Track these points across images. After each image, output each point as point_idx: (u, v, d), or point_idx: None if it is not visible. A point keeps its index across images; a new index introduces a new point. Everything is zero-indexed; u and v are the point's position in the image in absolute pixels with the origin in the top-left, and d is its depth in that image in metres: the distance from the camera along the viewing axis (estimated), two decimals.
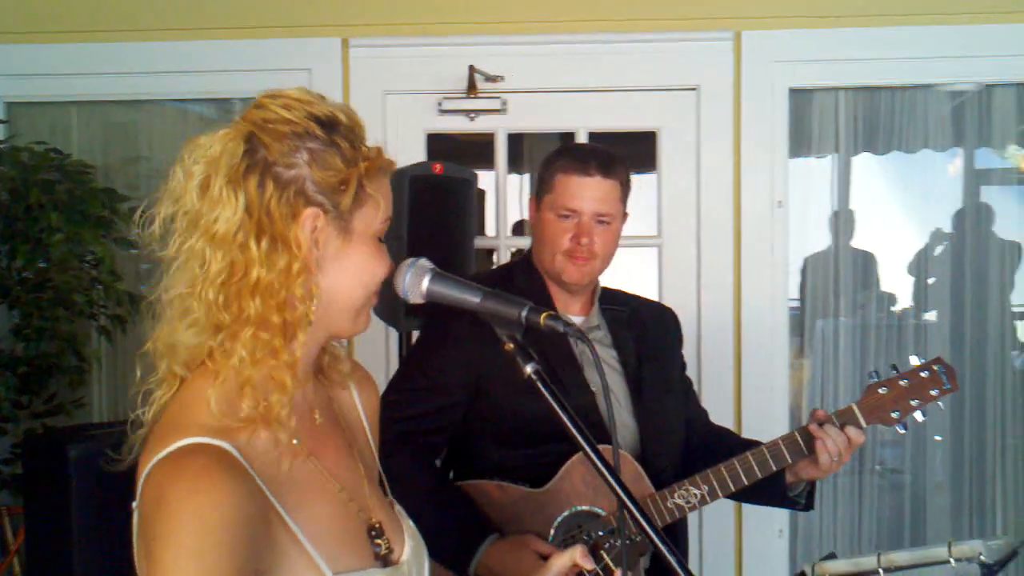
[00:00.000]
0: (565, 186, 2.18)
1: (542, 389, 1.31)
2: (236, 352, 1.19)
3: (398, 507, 1.47)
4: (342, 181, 1.22)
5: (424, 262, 1.36)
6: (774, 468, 2.11)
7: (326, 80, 3.53)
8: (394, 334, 3.35)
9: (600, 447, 1.31)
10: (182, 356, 1.23)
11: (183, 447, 1.13)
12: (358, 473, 1.38)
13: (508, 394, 2.11)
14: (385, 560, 1.33)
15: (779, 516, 3.65)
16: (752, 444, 2.20)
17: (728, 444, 2.35)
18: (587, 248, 2.17)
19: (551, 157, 2.27)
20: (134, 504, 1.17)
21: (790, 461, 2.11)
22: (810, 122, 3.81)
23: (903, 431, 2.15)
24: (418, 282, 1.35)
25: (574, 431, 1.30)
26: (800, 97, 3.74)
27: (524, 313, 1.31)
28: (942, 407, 2.16)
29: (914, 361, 2.14)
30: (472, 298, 1.34)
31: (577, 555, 1.41)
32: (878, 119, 3.82)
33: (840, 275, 3.90)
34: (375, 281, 1.29)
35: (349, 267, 1.26)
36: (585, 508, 2.13)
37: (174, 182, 1.23)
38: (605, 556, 1.56)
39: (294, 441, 1.24)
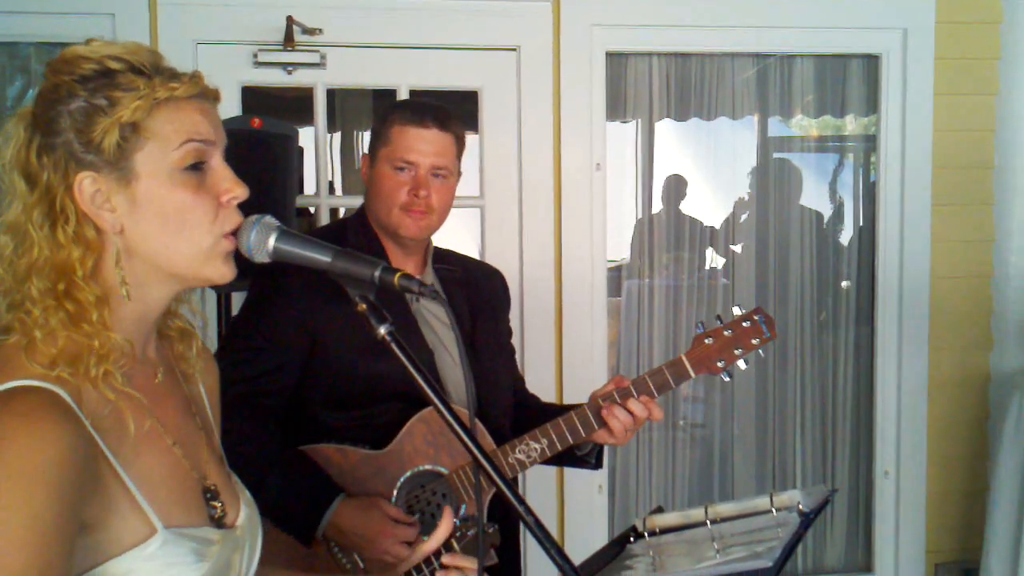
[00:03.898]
0: (402, 138, 2.16)
1: (396, 350, 1.28)
2: (34, 330, 1.17)
3: (235, 478, 1.44)
4: (104, 132, 1.17)
5: (270, 219, 1.30)
6: (595, 426, 2.16)
7: (131, 27, 3.32)
8: (210, 294, 3.21)
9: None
10: None
11: (9, 389, 1.11)
12: (197, 437, 1.36)
13: (343, 352, 2.08)
14: (219, 523, 1.31)
15: (598, 472, 3.73)
16: (562, 407, 2.30)
17: (542, 406, 2.44)
18: (424, 201, 2.15)
19: (387, 110, 2.24)
20: None
21: (596, 428, 2.16)
22: (625, 86, 3.89)
23: (728, 379, 2.22)
24: (264, 240, 1.28)
25: (429, 391, 1.27)
26: (616, 61, 3.82)
27: (377, 273, 1.27)
28: (762, 355, 2.24)
29: (736, 312, 2.21)
30: (322, 257, 1.28)
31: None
32: (689, 85, 3.95)
33: (656, 238, 4.03)
34: (189, 220, 1.22)
35: (149, 215, 1.20)
36: (428, 467, 2.13)
37: None
38: (455, 544, 1.55)
39: (134, 396, 1.21)
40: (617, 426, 2.12)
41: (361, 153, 5.93)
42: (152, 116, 1.19)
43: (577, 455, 2.28)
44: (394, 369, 1.27)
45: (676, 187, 4.19)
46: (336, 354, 2.10)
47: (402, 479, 2.12)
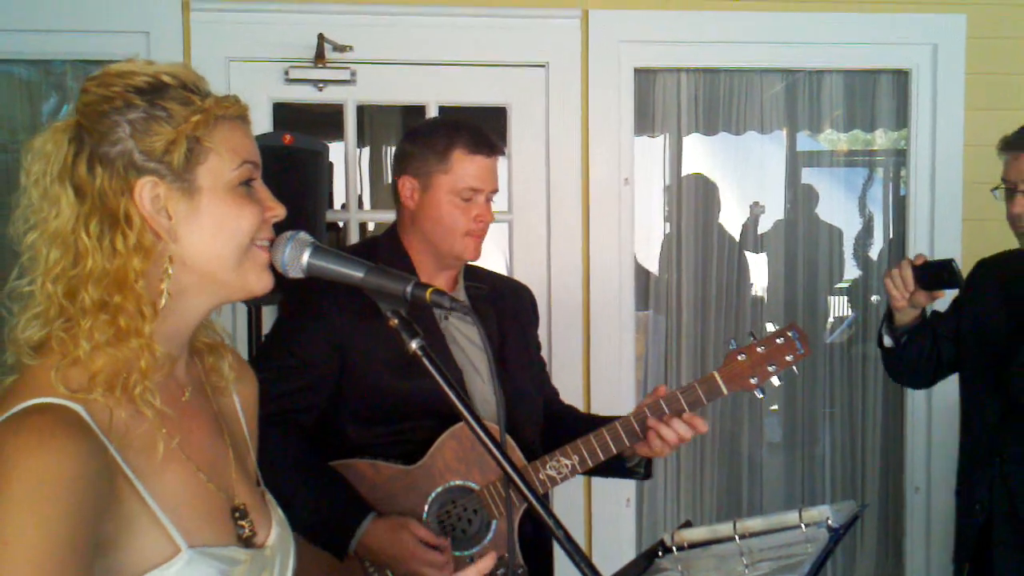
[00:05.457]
0: (467, 166, 2.18)
1: (428, 365, 1.29)
2: (80, 344, 1.17)
3: (269, 496, 1.45)
4: (170, 142, 1.20)
5: (304, 235, 1.32)
6: (627, 443, 2.16)
7: (165, 45, 3.37)
8: (241, 309, 3.24)
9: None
10: (27, 348, 1.20)
11: (27, 407, 1.12)
12: (225, 456, 1.35)
13: (373, 370, 2.10)
14: (247, 542, 1.31)
15: (626, 486, 3.75)
16: (601, 418, 2.28)
17: (579, 418, 2.46)
18: (486, 225, 2.22)
19: (440, 135, 2.21)
20: None
21: (640, 437, 2.16)
22: (653, 101, 3.90)
23: (761, 396, 2.20)
24: (298, 256, 1.30)
25: (461, 407, 1.29)
26: (644, 77, 3.83)
27: (409, 288, 1.29)
28: (796, 371, 2.21)
29: (769, 328, 2.20)
30: (355, 272, 1.30)
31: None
32: (717, 100, 3.95)
33: (685, 253, 4.03)
34: (242, 232, 1.26)
35: (206, 225, 1.24)
36: (459, 483, 2.14)
37: (22, 182, 1.23)
38: None
39: (168, 413, 1.22)
40: (658, 446, 2.13)
41: (389, 169, 5.97)
42: (211, 132, 1.23)
43: (626, 467, 2.27)
44: (424, 386, 1.29)
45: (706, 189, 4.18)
46: (366, 372, 2.11)
47: (433, 494, 2.14)
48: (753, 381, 2.16)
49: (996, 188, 2.56)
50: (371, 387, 2.12)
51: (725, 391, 2.16)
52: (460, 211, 2.18)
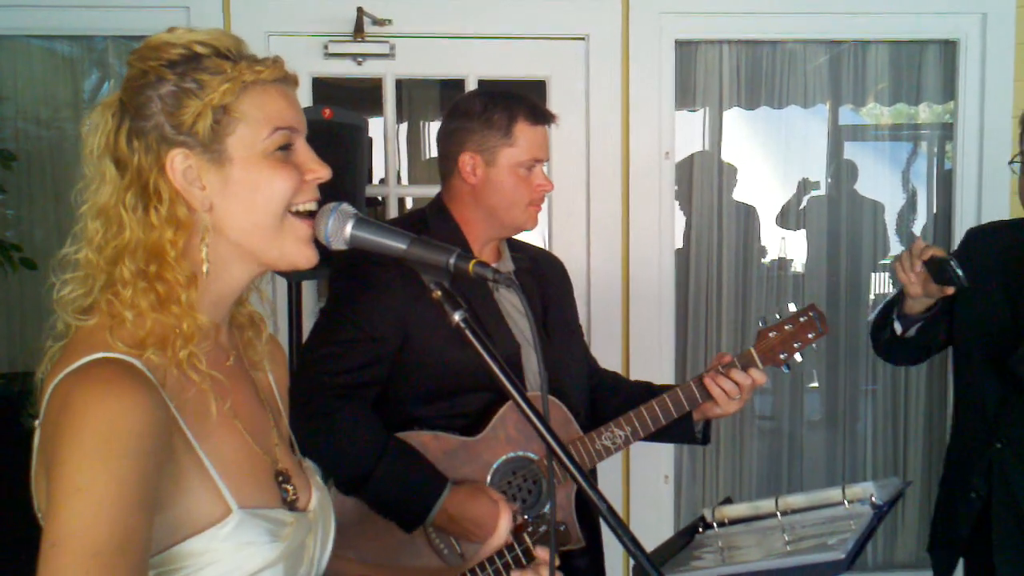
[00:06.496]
0: (530, 137, 2.20)
1: (470, 337, 1.28)
2: (123, 313, 1.19)
3: (307, 464, 1.46)
4: (196, 115, 1.20)
5: (347, 207, 1.31)
6: (687, 408, 2.24)
7: (205, 20, 3.38)
8: (281, 284, 3.25)
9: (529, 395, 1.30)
10: (75, 313, 1.23)
11: (92, 360, 1.14)
12: (267, 421, 1.37)
13: (433, 344, 2.11)
14: (292, 505, 1.33)
15: (665, 462, 3.75)
16: (648, 385, 2.39)
17: (626, 385, 2.51)
18: (545, 194, 2.26)
19: (499, 109, 2.21)
20: (37, 423, 1.16)
21: (700, 402, 2.24)
22: (695, 74, 3.86)
23: (787, 371, 2.31)
24: (341, 228, 1.29)
25: (503, 379, 1.28)
26: (686, 49, 3.78)
27: (452, 260, 1.27)
28: (815, 348, 2.31)
29: (792, 308, 2.28)
30: (398, 244, 1.29)
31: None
32: (759, 73, 3.90)
33: (723, 226, 3.99)
34: (276, 198, 1.25)
35: (240, 193, 1.24)
36: (519, 454, 2.19)
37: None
38: (527, 539, 1.55)
39: (217, 377, 1.25)
40: (722, 398, 2.21)
41: (428, 144, 5.96)
42: (241, 99, 1.22)
43: (693, 430, 2.33)
44: (479, 359, 1.28)
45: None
46: (426, 347, 2.12)
47: (495, 464, 2.18)
48: (782, 357, 2.26)
49: (1013, 160, 2.44)
50: (430, 363, 2.13)
51: (760, 366, 2.25)
52: (524, 182, 2.21)
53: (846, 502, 2.01)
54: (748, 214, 4.13)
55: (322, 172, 1.30)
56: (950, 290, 2.34)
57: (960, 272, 2.26)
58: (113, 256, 1.21)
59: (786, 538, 2.01)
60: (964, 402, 2.62)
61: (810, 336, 2.26)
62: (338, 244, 1.30)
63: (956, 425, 2.70)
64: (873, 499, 1.98)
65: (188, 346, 1.21)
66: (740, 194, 4.11)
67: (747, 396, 2.24)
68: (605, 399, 2.40)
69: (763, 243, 4.23)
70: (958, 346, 2.59)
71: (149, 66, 1.22)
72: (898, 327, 2.54)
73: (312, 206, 1.30)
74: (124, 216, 1.21)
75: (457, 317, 1.28)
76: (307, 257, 1.29)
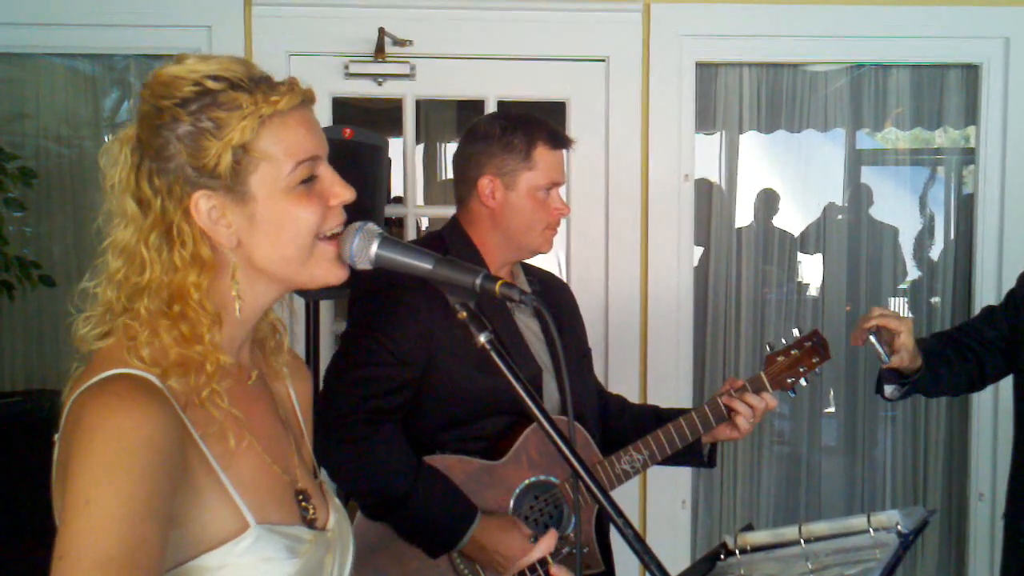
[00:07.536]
0: (549, 161, 2.21)
1: (496, 359, 1.26)
2: (139, 338, 1.19)
3: (326, 486, 1.45)
4: (217, 156, 1.18)
5: (372, 226, 1.29)
6: (702, 432, 2.26)
7: (227, 39, 3.40)
8: (299, 303, 3.24)
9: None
10: (94, 341, 1.23)
11: (109, 376, 1.15)
12: (286, 439, 1.37)
13: (455, 368, 2.11)
14: (311, 523, 1.32)
15: (683, 487, 3.71)
16: (655, 408, 2.45)
17: (633, 408, 2.53)
18: (561, 218, 2.27)
19: (519, 133, 2.20)
20: (56, 436, 1.16)
21: (715, 425, 2.27)
22: (715, 97, 3.85)
23: (793, 395, 2.37)
24: (367, 247, 1.28)
25: (530, 403, 1.26)
26: (706, 72, 3.77)
27: (479, 280, 1.26)
28: (818, 373, 2.34)
29: (796, 333, 2.32)
30: (424, 264, 1.28)
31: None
32: (779, 96, 3.89)
33: (744, 250, 3.97)
34: (302, 232, 1.23)
35: (267, 229, 1.22)
36: (541, 478, 2.18)
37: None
38: (549, 559, 1.53)
39: (236, 415, 1.23)
40: (746, 412, 2.24)
41: (444, 165, 5.97)
42: (260, 135, 1.20)
43: (701, 454, 2.36)
44: (500, 383, 1.26)
45: (767, 201, 4.14)
46: (449, 371, 2.11)
47: (518, 488, 2.17)
48: (790, 381, 2.30)
49: None
50: (453, 387, 2.13)
51: (771, 390, 2.29)
52: (542, 206, 2.20)
53: (871, 530, 1.97)
54: (781, 238, 4.12)
55: (346, 195, 1.28)
56: (897, 359, 2.25)
57: (879, 348, 2.23)
58: (131, 295, 1.21)
59: (809, 566, 1.98)
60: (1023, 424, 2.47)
61: (814, 361, 2.30)
62: (363, 264, 1.29)
63: (1018, 456, 2.50)
64: (899, 527, 1.95)
65: (211, 384, 1.20)
66: (765, 218, 4.10)
67: (759, 419, 2.28)
68: (613, 422, 2.42)
69: (783, 266, 4.20)
70: (1021, 372, 2.44)
71: (163, 105, 1.20)
72: (887, 389, 2.41)
73: (339, 229, 1.28)
74: (145, 256, 1.20)
75: (483, 339, 1.27)
76: (337, 276, 1.29)
